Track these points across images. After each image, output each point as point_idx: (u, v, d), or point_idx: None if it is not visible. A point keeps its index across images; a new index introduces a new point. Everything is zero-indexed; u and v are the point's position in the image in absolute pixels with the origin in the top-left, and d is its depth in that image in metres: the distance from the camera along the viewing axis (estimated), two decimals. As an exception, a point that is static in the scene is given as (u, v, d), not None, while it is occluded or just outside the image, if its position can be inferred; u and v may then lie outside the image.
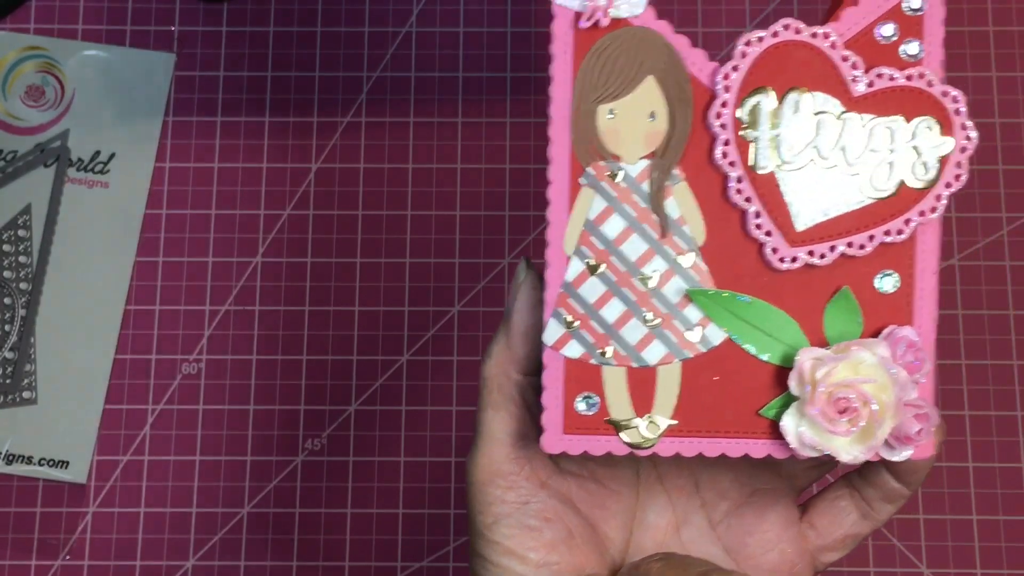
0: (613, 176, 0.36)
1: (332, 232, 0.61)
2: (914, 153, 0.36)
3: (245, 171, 0.62)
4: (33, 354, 0.60)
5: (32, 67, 0.62)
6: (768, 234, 0.36)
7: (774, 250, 0.36)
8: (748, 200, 0.36)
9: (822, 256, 0.36)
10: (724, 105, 0.36)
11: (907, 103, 0.36)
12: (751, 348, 0.36)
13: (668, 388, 0.36)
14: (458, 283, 0.61)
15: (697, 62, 0.36)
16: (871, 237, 0.36)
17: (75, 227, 0.61)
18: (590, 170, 0.36)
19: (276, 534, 0.59)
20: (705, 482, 0.40)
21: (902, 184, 0.36)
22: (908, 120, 0.36)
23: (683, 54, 0.36)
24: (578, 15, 0.36)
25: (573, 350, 0.36)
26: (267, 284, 0.61)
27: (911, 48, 0.37)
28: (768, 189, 0.36)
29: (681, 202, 0.36)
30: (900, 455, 0.36)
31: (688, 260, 0.36)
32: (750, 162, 0.36)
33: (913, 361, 0.36)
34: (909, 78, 0.36)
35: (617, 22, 0.36)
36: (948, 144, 0.36)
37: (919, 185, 0.36)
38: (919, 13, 0.37)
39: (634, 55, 0.36)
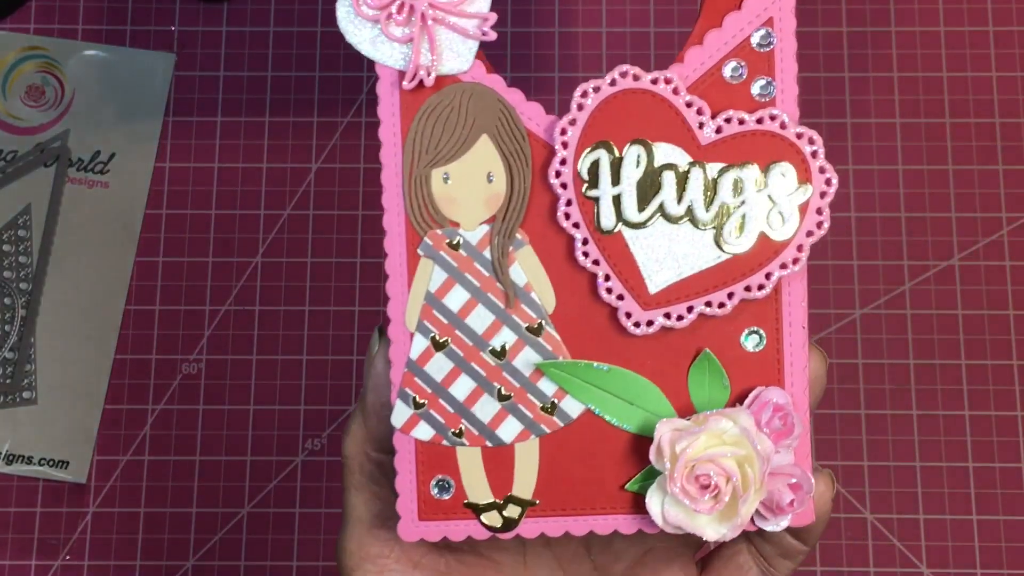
0: (452, 244, 0.34)
1: (332, 232, 0.61)
2: (769, 202, 0.34)
3: (245, 171, 0.62)
4: (33, 354, 0.60)
5: (32, 67, 0.62)
6: (620, 298, 0.34)
7: (627, 315, 0.34)
8: (596, 263, 0.34)
9: (679, 318, 0.34)
10: (563, 162, 0.34)
11: (760, 148, 0.34)
12: (612, 419, 0.34)
13: (527, 466, 0.34)
14: (458, 283, 0.61)
15: (534, 117, 0.34)
16: (730, 295, 0.34)
17: (75, 227, 0.61)
18: (427, 239, 0.34)
19: (276, 534, 0.59)
20: (597, 544, 0.38)
21: (760, 236, 0.34)
22: (762, 167, 0.34)
23: (519, 109, 0.34)
24: (403, 75, 0.34)
25: (423, 432, 0.34)
26: (267, 284, 0.61)
27: (761, 87, 0.34)
28: (616, 250, 0.34)
29: (526, 268, 0.34)
30: (777, 525, 0.34)
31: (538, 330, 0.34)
32: (595, 222, 0.34)
33: (781, 426, 0.34)
34: (760, 121, 0.34)
35: (445, 79, 0.34)
36: (806, 191, 0.34)
37: (778, 236, 0.34)
38: (769, 48, 0.34)
39: (465, 114, 0.34)
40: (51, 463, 0.59)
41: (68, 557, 0.58)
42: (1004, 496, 0.59)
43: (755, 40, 0.34)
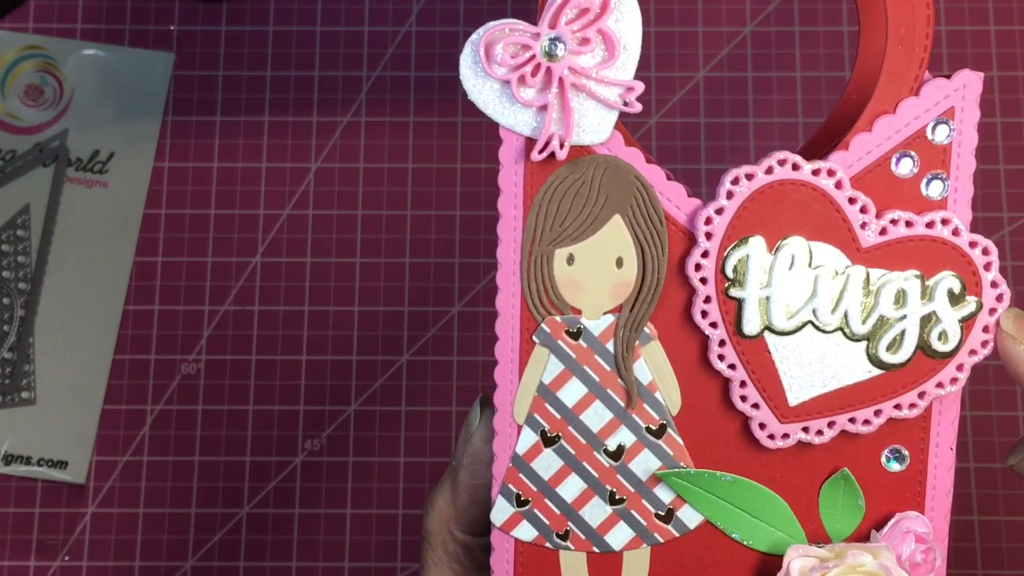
0: (572, 333, 0.31)
1: (332, 232, 0.61)
2: (932, 316, 0.31)
3: (244, 171, 0.62)
4: (32, 354, 0.60)
5: (31, 66, 0.62)
6: (755, 407, 0.31)
7: (762, 426, 0.31)
8: (732, 367, 0.31)
9: (819, 433, 0.31)
10: (705, 255, 0.31)
11: (927, 256, 0.31)
12: (733, 533, 0.32)
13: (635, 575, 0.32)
14: (458, 283, 0.61)
15: (674, 198, 0.31)
16: (877, 412, 0.31)
17: (74, 227, 0.61)
18: (544, 326, 0.31)
19: (275, 535, 0.59)
20: None
21: (918, 352, 0.31)
22: (927, 277, 0.31)
23: (657, 188, 0.31)
24: (530, 142, 0.30)
25: (525, 532, 0.32)
26: (266, 284, 0.61)
27: (934, 187, 0.31)
28: (756, 355, 0.31)
29: (652, 365, 0.31)
30: None
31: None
32: (736, 324, 0.31)
33: (922, 561, 0.32)
34: (930, 225, 0.31)
35: (578, 150, 0.31)
36: (974, 306, 0.31)
37: (938, 354, 0.31)
38: (947, 142, 0.31)
39: (598, 190, 0.31)
40: (50, 463, 0.59)
41: (67, 558, 0.58)
42: (1005, 497, 0.58)
43: (931, 131, 0.31)
